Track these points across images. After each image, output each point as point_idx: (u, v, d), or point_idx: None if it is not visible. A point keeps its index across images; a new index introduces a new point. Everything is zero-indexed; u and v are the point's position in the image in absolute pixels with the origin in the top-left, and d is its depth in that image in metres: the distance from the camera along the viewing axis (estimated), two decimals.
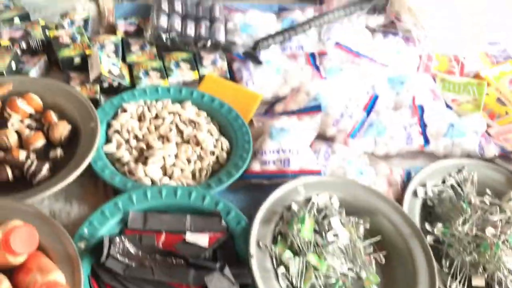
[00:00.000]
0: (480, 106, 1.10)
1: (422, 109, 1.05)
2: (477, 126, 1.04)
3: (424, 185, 0.93)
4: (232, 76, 1.12)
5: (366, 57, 1.17)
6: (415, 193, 0.92)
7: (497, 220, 0.87)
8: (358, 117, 1.01)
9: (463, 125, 1.02)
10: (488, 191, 0.94)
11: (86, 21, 1.13)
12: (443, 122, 1.03)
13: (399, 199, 0.91)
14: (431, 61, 1.22)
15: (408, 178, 0.96)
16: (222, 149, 0.94)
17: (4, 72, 0.96)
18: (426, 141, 1.01)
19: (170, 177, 0.87)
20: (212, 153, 0.92)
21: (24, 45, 1.02)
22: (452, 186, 0.94)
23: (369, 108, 1.04)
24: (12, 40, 1.02)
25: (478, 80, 1.16)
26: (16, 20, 1.09)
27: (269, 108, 1.09)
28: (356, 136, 0.99)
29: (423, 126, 1.02)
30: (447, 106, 1.10)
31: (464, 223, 0.86)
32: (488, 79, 1.18)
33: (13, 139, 0.86)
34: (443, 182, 0.95)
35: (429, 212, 0.92)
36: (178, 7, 1.20)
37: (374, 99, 1.05)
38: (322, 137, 1.02)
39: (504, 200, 0.92)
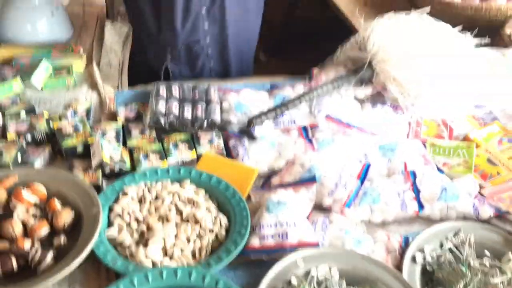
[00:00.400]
0: (471, 168, 1.13)
1: (414, 174, 1.08)
2: (469, 188, 1.06)
3: (422, 251, 0.94)
4: (229, 152, 1.17)
5: (356, 127, 1.21)
6: (414, 259, 0.93)
7: (499, 283, 0.87)
8: (353, 186, 1.04)
9: (455, 188, 1.05)
10: (487, 252, 0.95)
11: (88, 110, 1.19)
12: (436, 186, 1.05)
13: (399, 266, 0.92)
14: (420, 127, 1.26)
15: (406, 244, 0.97)
16: (221, 226, 0.96)
17: (10, 165, 1.01)
18: (421, 206, 1.03)
19: (171, 258, 0.89)
20: (211, 230, 0.94)
21: (29, 137, 1.08)
22: (450, 250, 0.95)
23: (363, 177, 1.07)
24: (18, 133, 1.07)
25: (467, 143, 1.20)
26: (22, 114, 1.15)
27: (266, 181, 1.12)
28: (352, 205, 1.01)
29: (417, 191, 1.04)
30: (439, 170, 1.13)
31: (465, 287, 0.86)
32: (477, 141, 1.22)
33: (18, 229, 0.89)
34: (441, 246, 0.96)
35: (430, 278, 0.92)
36: (175, 91, 1.27)
37: (367, 168, 1.09)
38: (319, 207, 1.04)
39: (504, 261, 0.93)
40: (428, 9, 1.42)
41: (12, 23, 1.43)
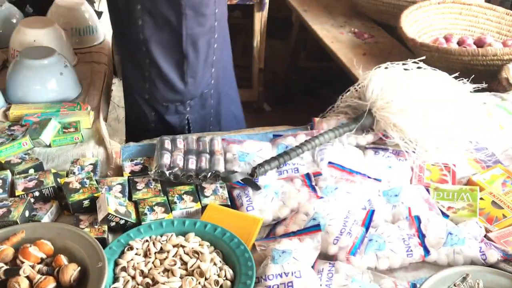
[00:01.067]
0: (476, 211, 1.13)
1: (419, 219, 1.08)
2: (475, 232, 1.06)
3: None
4: (233, 202, 1.18)
5: (359, 173, 1.23)
6: None
7: None
8: (357, 233, 1.04)
9: (461, 232, 1.04)
10: None
11: (95, 165, 1.22)
12: (441, 231, 1.05)
13: None
14: (423, 172, 1.27)
15: None
16: (226, 278, 0.96)
17: (18, 221, 1.02)
18: (427, 251, 1.02)
19: None
20: (216, 282, 0.94)
21: (37, 193, 1.10)
22: None
23: (367, 223, 1.07)
24: (26, 190, 1.10)
25: (471, 187, 1.20)
26: (31, 171, 1.18)
27: (271, 231, 1.13)
28: (357, 252, 1.01)
29: (422, 237, 1.04)
30: (443, 214, 1.13)
31: None
32: (481, 184, 1.22)
33: (24, 286, 0.89)
34: None
35: None
36: (180, 144, 1.30)
37: (371, 214, 1.09)
38: (324, 256, 1.04)
39: None
40: (424, 58, 1.46)
41: (22, 83, 1.48)
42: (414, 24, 2.21)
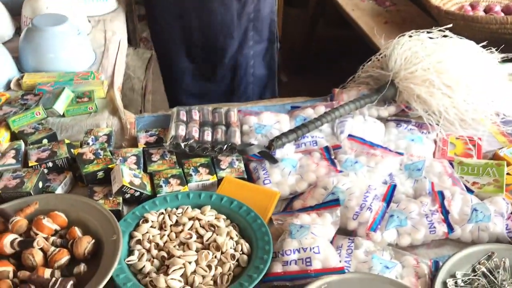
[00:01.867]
0: (503, 187, 1.08)
1: (442, 195, 1.04)
2: (502, 209, 1.02)
3: (454, 276, 0.90)
4: (249, 176, 1.15)
5: (380, 147, 1.18)
6: (445, 285, 0.88)
7: None
8: (378, 209, 1.01)
9: (487, 209, 1.00)
10: None
11: (109, 136, 1.20)
12: (466, 207, 1.01)
13: None
14: (447, 146, 1.22)
15: (436, 268, 0.93)
16: (242, 252, 0.93)
17: (32, 192, 1.01)
18: (450, 228, 0.99)
19: (192, 286, 0.87)
20: (233, 256, 0.92)
21: (50, 164, 1.08)
22: (484, 274, 0.90)
23: (388, 198, 1.03)
24: (40, 161, 1.08)
25: (497, 161, 1.15)
26: (44, 141, 1.16)
27: (288, 204, 1.10)
28: (377, 228, 0.98)
29: (445, 213, 1.00)
30: (468, 190, 1.08)
31: None
32: (508, 158, 1.17)
33: (38, 258, 0.88)
34: (474, 270, 0.91)
35: None
36: (195, 115, 1.27)
37: (392, 189, 1.05)
38: (343, 231, 1.01)
39: None
40: (450, 25, 1.39)
41: (35, 52, 1.45)
42: None
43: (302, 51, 3.19)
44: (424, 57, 1.28)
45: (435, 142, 1.24)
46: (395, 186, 1.06)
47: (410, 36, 1.36)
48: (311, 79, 3.05)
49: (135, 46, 3.03)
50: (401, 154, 1.17)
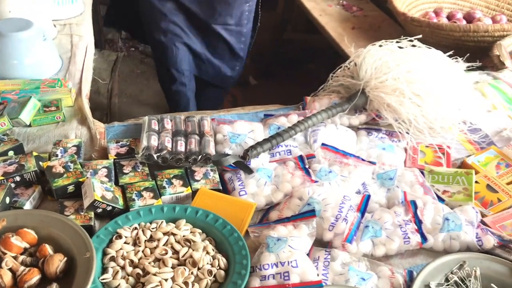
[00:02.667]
0: (472, 195, 1.11)
1: (415, 204, 1.06)
2: (471, 217, 1.04)
3: (428, 286, 0.91)
4: (225, 186, 1.14)
5: (353, 156, 1.20)
6: None
7: None
8: (353, 219, 1.02)
9: (457, 218, 1.03)
10: (493, 286, 0.92)
11: (79, 147, 1.16)
12: (438, 216, 1.04)
13: None
14: (417, 154, 1.25)
15: (410, 278, 0.94)
16: (219, 267, 0.93)
17: None
18: (424, 238, 1.01)
19: None
20: (210, 272, 0.91)
21: (18, 178, 1.04)
22: (456, 284, 0.93)
23: (363, 209, 1.05)
24: (6, 175, 1.04)
25: (466, 170, 1.18)
26: (10, 153, 1.12)
27: (264, 216, 1.10)
28: (353, 239, 0.99)
29: (419, 222, 1.02)
30: (439, 198, 1.11)
31: None
32: (475, 166, 1.21)
33: (7, 279, 0.85)
34: (446, 280, 0.93)
35: None
36: (167, 125, 1.25)
37: (367, 199, 1.07)
38: (319, 242, 1.01)
39: None
40: (419, 36, 1.42)
41: None
42: None
43: (270, 55, 3.20)
44: (394, 67, 1.31)
45: (406, 150, 1.27)
46: (369, 196, 1.07)
47: (380, 46, 1.39)
48: (279, 83, 3.07)
49: (100, 48, 2.96)
50: (373, 163, 1.19)
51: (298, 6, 2.52)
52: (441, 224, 1.02)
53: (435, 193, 1.13)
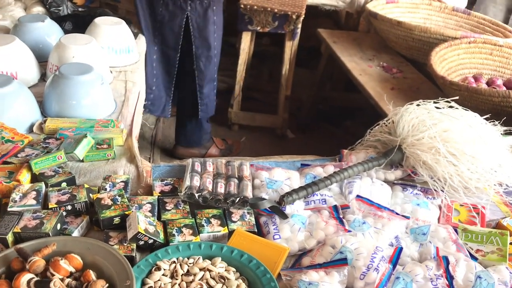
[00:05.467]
0: (506, 256, 1.11)
1: (447, 260, 1.07)
2: (505, 277, 1.04)
3: None
4: (259, 229, 1.18)
5: (387, 209, 1.22)
6: None
7: None
8: (384, 270, 1.03)
9: (491, 277, 1.03)
10: None
11: (126, 183, 1.24)
12: (470, 274, 1.04)
13: None
14: (451, 212, 1.26)
15: None
16: None
17: (50, 233, 1.04)
18: None
19: None
20: None
21: (69, 207, 1.12)
22: None
23: (394, 260, 1.06)
24: (59, 203, 1.12)
25: (501, 230, 1.18)
26: (63, 184, 1.20)
27: (297, 261, 1.12)
28: None
29: (450, 278, 1.03)
30: (472, 257, 1.11)
31: None
32: (511, 228, 1.21)
33: None
34: None
35: None
36: (209, 167, 1.32)
37: (399, 251, 1.08)
38: None
39: None
40: (457, 98, 1.46)
41: (59, 98, 1.52)
42: (443, 62, 2.22)
43: (309, 110, 3.29)
44: (431, 126, 1.35)
45: (440, 207, 1.28)
46: (401, 248, 1.09)
47: (418, 105, 1.44)
48: (315, 137, 3.13)
49: None
50: (407, 217, 1.21)
51: (339, 66, 2.61)
52: (473, 282, 1.02)
53: (468, 251, 1.13)
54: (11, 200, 1.12)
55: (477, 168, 1.32)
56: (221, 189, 1.24)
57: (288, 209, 1.21)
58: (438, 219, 1.25)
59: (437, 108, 1.44)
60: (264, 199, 1.21)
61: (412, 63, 2.53)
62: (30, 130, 1.46)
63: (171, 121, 3.21)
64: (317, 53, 3.20)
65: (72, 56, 1.69)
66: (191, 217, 1.17)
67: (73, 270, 0.98)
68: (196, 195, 1.20)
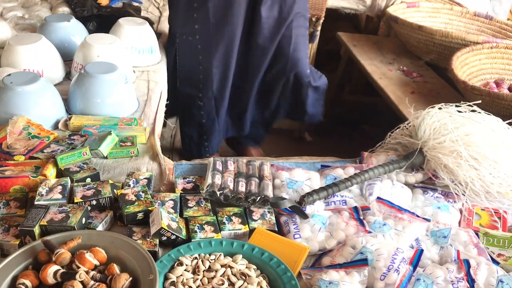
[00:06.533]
0: None
1: (468, 263, 1.06)
2: None
3: None
4: (280, 228, 1.19)
5: (408, 211, 1.22)
6: None
7: None
8: (405, 271, 1.03)
9: None
10: None
11: (149, 180, 1.26)
12: (492, 277, 1.03)
13: None
14: (472, 216, 1.26)
15: None
16: None
17: (76, 227, 1.06)
18: None
19: None
20: None
21: (94, 202, 1.14)
22: None
23: (415, 262, 1.06)
24: (84, 198, 1.14)
25: None
26: (88, 180, 1.23)
27: (317, 261, 1.13)
28: None
29: (471, 281, 1.03)
30: (493, 261, 1.11)
31: None
32: None
33: None
34: None
35: None
36: (231, 166, 1.33)
37: (419, 253, 1.08)
38: None
39: None
40: (479, 102, 1.46)
41: (84, 96, 1.55)
42: (465, 67, 2.21)
43: (327, 113, 3.28)
44: (452, 129, 1.35)
45: (461, 211, 1.28)
46: (422, 250, 1.09)
47: (440, 108, 1.43)
48: (333, 140, 3.13)
49: None
50: (428, 220, 1.20)
51: (359, 69, 2.61)
52: (494, 286, 1.02)
53: (490, 255, 1.13)
54: (38, 194, 1.15)
55: (499, 173, 1.32)
56: (242, 187, 1.26)
57: (308, 209, 1.22)
58: (459, 222, 1.25)
59: (459, 112, 1.43)
60: (284, 198, 1.22)
61: (432, 68, 2.52)
62: (55, 126, 1.50)
63: None
64: (336, 56, 3.20)
65: (96, 55, 1.72)
66: (212, 215, 1.18)
67: (97, 263, 1.00)
68: (218, 193, 1.21)
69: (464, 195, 1.29)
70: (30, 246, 1.01)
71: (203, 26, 1.99)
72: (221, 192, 1.22)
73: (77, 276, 0.94)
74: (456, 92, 2.22)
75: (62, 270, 0.96)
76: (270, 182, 1.29)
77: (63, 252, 0.98)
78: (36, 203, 1.13)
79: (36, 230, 1.05)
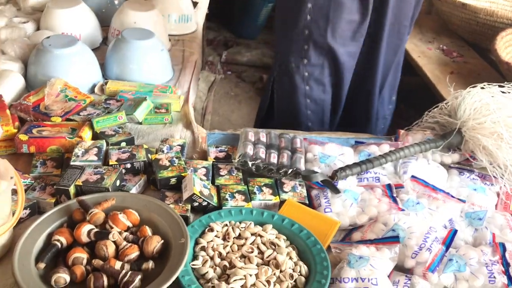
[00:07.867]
0: None
1: (504, 247, 1.04)
2: None
3: None
4: (310, 202, 1.18)
5: (442, 191, 1.19)
6: None
7: None
8: (437, 251, 1.01)
9: None
10: None
11: (183, 147, 1.27)
12: None
13: None
14: (510, 200, 1.22)
15: None
16: (300, 273, 0.96)
17: (110, 188, 1.08)
18: (510, 281, 0.98)
19: None
20: (291, 276, 0.95)
21: (129, 165, 1.15)
22: None
23: (448, 242, 1.04)
24: (119, 161, 1.16)
25: None
26: (123, 144, 1.24)
27: (347, 236, 1.12)
28: (435, 270, 0.98)
29: (506, 265, 1.00)
30: None
31: None
32: None
33: (111, 250, 0.94)
34: None
35: None
36: (263, 138, 1.32)
37: (453, 233, 1.06)
38: (399, 268, 1.02)
39: None
40: None
41: (120, 61, 1.56)
42: (509, 48, 2.12)
43: None
44: (494, 110, 1.30)
45: (498, 194, 1.24)
46: (456, 231, 1.07)
47: (482, 88, 1.38)
48: None
49: (201, 69, 3.17)
50: (463, 201, 1.18)
51: None
52: None
53: None
54: (74, 155, 1.17)
55: None
56: (274, 159, 1.25)
57: (340, 184, 1.20)
58: (496, 206, 1.22)
59: (503, 93, 1.38)
60: (316, 172, 1.21)
61: (473, 48, 2.43)
62: (92, 90, 1.51)
63: (221, 95, 3.24)
64: None
65: (133, 22, 1.72)
66: (243, 184, 1.18)
67: (130, 224, 1.01)
68: (250, 163, 1.21)
69: (503, 178, 1.25)
70: (65, 205, 1.04)
71: None
72: (253, 162, 1.22)
73: (110, 236, 0.96)
74: (498, 74, 2.14)
75: (96, 230, 0.98)
76: (302, 155, 1.28)
77: (97, 212, 1.00)
78: (72, 163, 1.15)
79: (72, 190, 1.08)
